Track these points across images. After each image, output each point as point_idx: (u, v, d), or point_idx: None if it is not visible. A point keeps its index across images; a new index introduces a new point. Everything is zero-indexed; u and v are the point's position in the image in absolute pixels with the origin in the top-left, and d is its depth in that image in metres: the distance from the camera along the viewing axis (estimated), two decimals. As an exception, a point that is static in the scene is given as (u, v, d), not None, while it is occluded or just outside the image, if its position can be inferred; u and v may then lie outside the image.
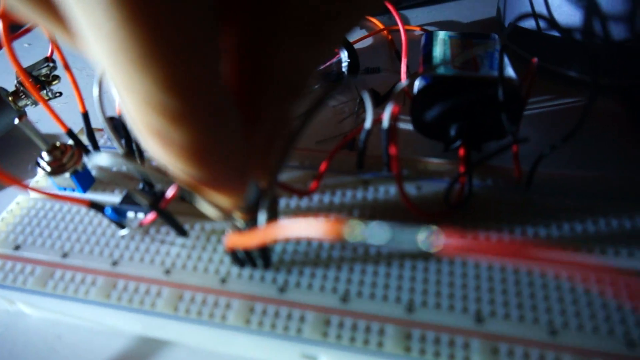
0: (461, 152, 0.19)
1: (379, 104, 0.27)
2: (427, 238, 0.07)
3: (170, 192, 0.17)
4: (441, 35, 0.25)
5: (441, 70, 0.20)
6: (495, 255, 0.07)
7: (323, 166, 0.18)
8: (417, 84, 0.20)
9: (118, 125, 0.18)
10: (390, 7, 0.29)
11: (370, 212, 0.18)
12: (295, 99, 0.11)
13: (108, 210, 0.16)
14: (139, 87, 0.08)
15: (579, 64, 0.26)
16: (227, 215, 0.13)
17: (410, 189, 0.19)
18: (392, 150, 0.16)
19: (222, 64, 0.09)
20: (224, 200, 0.12)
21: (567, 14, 0.25)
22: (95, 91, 0.16)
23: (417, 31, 0.34)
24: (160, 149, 0.09)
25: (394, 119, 0.16)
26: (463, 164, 0.18)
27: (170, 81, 0.08)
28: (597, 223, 0.17)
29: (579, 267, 0.08)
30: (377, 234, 0.07)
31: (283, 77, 0.11)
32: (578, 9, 0.24)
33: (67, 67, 0.20)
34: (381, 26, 0.34)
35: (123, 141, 0.18)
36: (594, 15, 0.24)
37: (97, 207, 0.16)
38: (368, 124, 0.18)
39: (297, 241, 0.17)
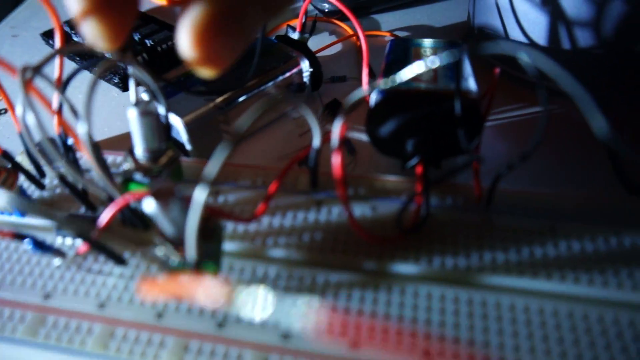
0: (418, 170, 0.18)
1: (343, 115, 0.26)
2: (308, 315, 0.06)
3: (104, 219, 0.16)
4: (405, 43, 0.24)
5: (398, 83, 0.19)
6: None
7: (272, 187, 0.17)
8: (373, 97, 0.19)
9: (52, 146, 0.17)
10: (346, 11, 0.28)
11: (323, 235, 0.17)
12: None
13: (30, 243, 0.15)
14: None
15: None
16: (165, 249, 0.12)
17: (365, 209, 0.18)
18: (337, 171, 0.15)
19: None
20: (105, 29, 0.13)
21: (534, 22, 0.24)
22: (20, 110, 0.15)
23: (387, 37, 0.33)
24: None
25: (342, 139, 0.15)
26: (420, 183, 0.17)
27: None
28: (557, 246, 0.16)
29: None
30: (257, 307, 0.06)
31: None
32: (544, 16, 0.24)
33: None
34: (350, 32, 0.33)
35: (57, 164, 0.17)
36: (560, 22, 0.23)
37: (20, 237, 0.15)
38: (316, 142, 0.17)
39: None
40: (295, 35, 0.28)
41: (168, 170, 0.17)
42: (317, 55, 0.32)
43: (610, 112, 0.14)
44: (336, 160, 0.15)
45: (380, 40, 0.33)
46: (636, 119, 0.24)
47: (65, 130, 0.17)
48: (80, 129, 0.14)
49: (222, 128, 0.24)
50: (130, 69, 0.16)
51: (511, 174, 0.17)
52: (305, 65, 0.25)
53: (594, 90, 0.13)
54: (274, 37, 0.28)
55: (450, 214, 0.17)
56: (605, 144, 0.13)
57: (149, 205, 0.13)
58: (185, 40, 0.12)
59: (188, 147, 0.23)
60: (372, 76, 0.28)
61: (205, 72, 0.13)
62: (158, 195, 0.13)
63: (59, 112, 0.17)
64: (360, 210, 0.18)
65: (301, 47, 0.26)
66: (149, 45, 0.30)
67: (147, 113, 0.16)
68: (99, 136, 0.26)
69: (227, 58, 0.13)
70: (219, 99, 0.23)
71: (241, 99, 0.24)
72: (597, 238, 0.16)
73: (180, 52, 0.13)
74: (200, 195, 0.12)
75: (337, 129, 0.15)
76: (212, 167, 0.12)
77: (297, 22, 0.28)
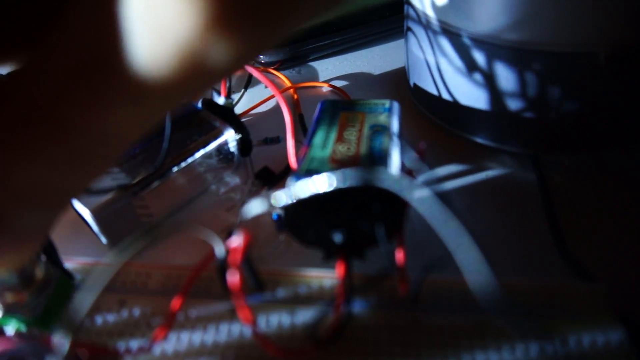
0: (340, 269, 0.16)
1: (273, 185, 0.25)
2: None
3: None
4: (334, 107, 0.23)
5: (314, 166, 0.18)
6: None
7: (175, 304, 0.15)
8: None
9: None
10: (253, 71, 0.27)
11: (236, 352, 0.15)
12: None
13: None
14: None
15: (481, 130, 0.24)
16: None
17: (284, 317, 0.16)
18: (236, 290, 0.14)
19: None
20: None
21: (458, 85, 0.23)
22: None
23: (325, 87, 0.32)
24: None
25: (236, 264, 0.14)
26: (341, 284, 0.16)
27: None
28: (499, 351, 0.15)
29: None
30: None
31: None
32: (465, 80, 0.23)
33: None
34: (288, 83, 0.32)
35: None
36: (484, 86, 0.22)
37: None
38: (220, 252, 0.15)
39: None
40: (221, 100, 0.26)
41: (43, 296, 0.15)
42: (252, 112, 0.30)
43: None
44: (233, 280, 0.14)
45: (318, 90, 0.32)
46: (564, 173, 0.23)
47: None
48: None
49: (139, 212, 0.22)
50: None
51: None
52: (229, 135, 0.24)
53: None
54: (199, 103, 0.26)
55: (374, 316, 0.16)
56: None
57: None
58: None
59: (102, 239, 0.21)
60: (304, 134, 0.27)
61: None
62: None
63: None
64: (277, 316, 0.16)
65: (226, 114, 0.25)
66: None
67: None
68: None
69: None
70: (133, 181, 0.21)
71: (158, 179, 0.22)
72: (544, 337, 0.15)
73: None
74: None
75: (235, 246, 0.14)
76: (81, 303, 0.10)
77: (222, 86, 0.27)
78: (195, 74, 0.09)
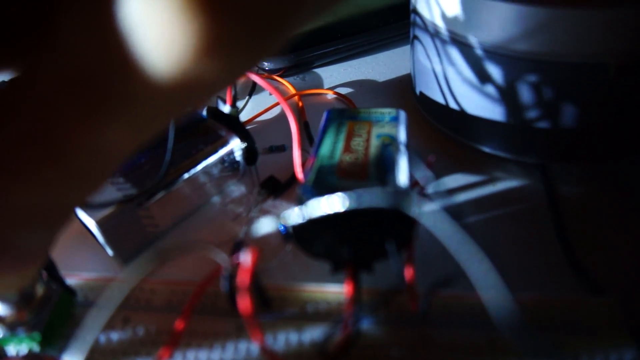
0: (348, 284, 0.16)
1: (279, 194, 0.25)
2: None
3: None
4: (340, 116, 0.22)
5: (322, 176, 0.18)
6: None
7: (179, 325, 0.15)
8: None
9: None
10: (257, 78, 0.26)
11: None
12: None
13: None
14: None
15: (489, 140, 0.24)
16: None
17: (291, 335, 0.16)
18: (247, 314, 0.14)
19: None
20: None
21: (466, 94, 0.23)
22: None
23: (330, 94, 0.32)
24: None
25: (246, 285, 0.13)
26: (350, 299, 0.16)
27: None
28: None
29: None
30: None
31: None
32: (473, 90, 0.23)
33: None
34: (293, 90, 0.32)
35: None
36: (490, 95, 0.22)
37: None
38: (228, 270, 0.15)
39: None
40: (226, 109, 0.26)
41: (44, 313, 0.15)
42: (257, 119, 0.30)
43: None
44: (244, 303, 0.13)
45: (323, 97, 0.32)
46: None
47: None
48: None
49: (144, 223, 0.22)
50: None
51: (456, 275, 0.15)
52: (235, 144, 0.24)
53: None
54: (204, 112, 0.26)
55: (383, 333, 0.16)
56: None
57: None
58: None
59: (108, 250, 0.21)
60: (310, 143, 0.27)
61: None
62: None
63: None
64: (285, 336, 0.16)
65: (232, 123, 0.25)
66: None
67: None
68: None
69: None
70: (139, 192, 0.21)
71: (163, 189, 0.22)
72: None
73: None
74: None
75: (244, 265, 0.13)
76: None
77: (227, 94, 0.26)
78: (190, 89, 0.09)
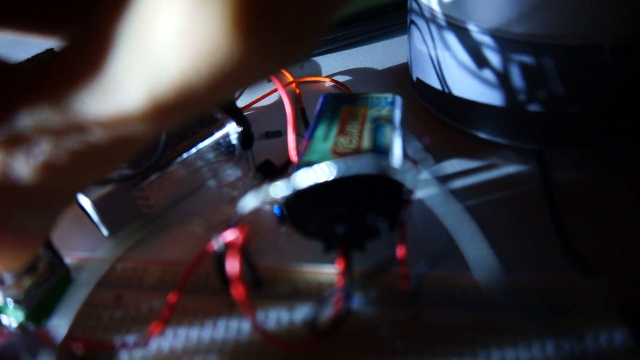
0: (340, 261, 0.16)
1: (274, 178, 0.25)
2: None
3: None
4: (336, 100, 0.22)
5: (315, 157, 0.18)
6: None
7: (172, 299, 0.15)
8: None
9: None
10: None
11: (233, 349, 0.15)
12: None
13: None
14: None
15: (484, 125, 0.24)
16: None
17: (282, 313, 0.16)
18: (235, 274, 0.14)
19: None
20: None
21: (462, 79, 0.23)
22: None
23: (328, 82, 0.32)
24: None
25: (235, 256, 0.13)
26: (342, 276, 0.16)
27: None
28: (501, 347, 0.14)
29: None
30: None
31: None
32: (469, 75, 0.23)
33: None
34: (291, 78, 0.32)
35: None
36: (486, 79, 0.22)
37: None
38: (218, 245, 0.15)
39: None
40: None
41: (42, 289, 0.15)
42: (254, 105, 0.30)
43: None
44: (232, 269, 0.13)
45: (320, 85, 0.32)
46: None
47: None
48: None
49: (140, 204, 0.22)
50: None
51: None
52: (231, 127, 0.24)
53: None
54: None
55: (375, 312, 0.16)
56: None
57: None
58: None
59: (103, 230, 0.21)
60: (306, 128, 0.27)
61: None
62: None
63: None
64: (276, 311, 0.16)
65: (228, 106, 0.25)
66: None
67: None
68: None
69: None
70: (133, 173, 0.21)
71: (158, 171, 0.22)
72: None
73: None
74: None
75: (233, 239, 0.13)
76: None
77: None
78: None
